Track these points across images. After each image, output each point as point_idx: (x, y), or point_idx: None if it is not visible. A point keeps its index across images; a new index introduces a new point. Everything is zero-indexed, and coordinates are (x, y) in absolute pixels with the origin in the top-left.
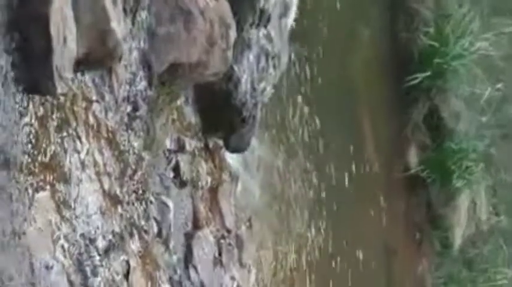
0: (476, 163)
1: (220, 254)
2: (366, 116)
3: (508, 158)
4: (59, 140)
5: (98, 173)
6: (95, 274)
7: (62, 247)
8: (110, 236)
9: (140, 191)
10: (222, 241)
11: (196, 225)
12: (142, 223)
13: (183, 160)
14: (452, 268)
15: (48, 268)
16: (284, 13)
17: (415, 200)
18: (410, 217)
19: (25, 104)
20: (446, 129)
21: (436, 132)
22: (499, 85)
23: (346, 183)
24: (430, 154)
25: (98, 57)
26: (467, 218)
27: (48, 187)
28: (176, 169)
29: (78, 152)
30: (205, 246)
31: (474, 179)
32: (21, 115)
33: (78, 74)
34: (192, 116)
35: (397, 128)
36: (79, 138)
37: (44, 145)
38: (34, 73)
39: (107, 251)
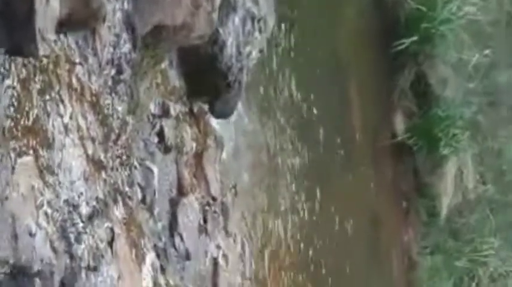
0: (463, 130)
1: (205, 221)
2: (352, 82)
3: (495, 126)
4: (42, 104)
5: (81, 138)
6: (78, 241)
7: (45, 213)
8: (94, 203)
9: (124, 157)
10: (207, 208)
11: (181, 191)
12: (127, 189)
13: (168, 125)
14: (438, 238)
15: (31, 234)
16: None
17: (401, 168)
18: (397, 185)
19: (7, 66)
20: (433, 96)
21: (423, 99)
22: (487, 51)
23: (332, 151)
24: (416, 121)
25: (81, 18)
26: (454, 187)
27: (31, 151)
28: (160, 134)
29: (61, 116)
30: (190, 213)
31: (461, 147)
32: (3, 77)
33: (61, 36)
34: (176, 80)
35: (383, 94)
36: (62, 101)
37: (26, 108)
38: (16, 35)
39: (90, 218)
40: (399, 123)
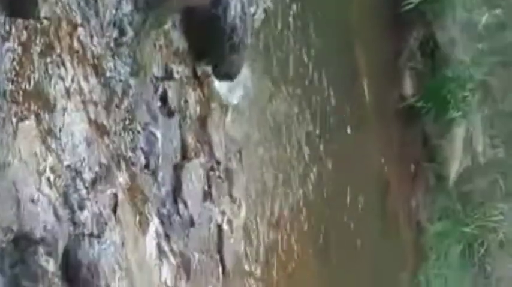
0: (472, 92)
1: (209, 187)
2: (359, 44)
3: (506, 87)
4: (43, 67)
5: (83, 102)
6: (81, 207)
7: (48, 179)
8: (97, 168)
9: (127, 121)
10: (211, 173)
11: (185, 156)
12: (130, 154)
13: (171, 88)
14: (447, 203)
15: (33, 201)
16: None
17: (410, 132)
18: (405, 149)
19: (7, 28)
20: (442, 57)
21: (431, 60)
22: (497, 11)
23: (340, 115)
24: (425, 83)
25: None
26: (463, 150)
27: (32, 116)
28: (164, 98)
29: (63, 79)
30: (194, 178)
31: (470, 109)
32: (4, 40)
33: None
34: (179, 42)
35: (392, 56)
36: (63, 64)
37: (27, 72)
38: None
39: (93, 184)
40: (407, 86)
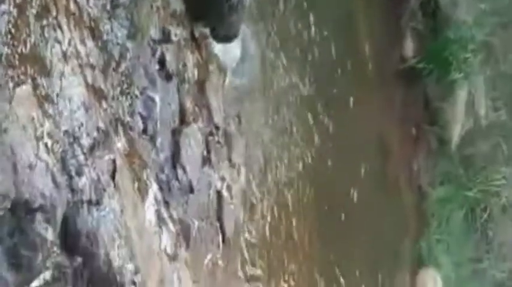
0: (474, 53)
1: (208, 152)
2: (360, 5)
3: (508, 48)
4: (39, 30)
5: (80, 66)
6: (79, 173)
7: (46, 145)
8: (95, 133)
9: (125, 85)
10: (210, 138)
11: (184, 121)
12: (128, 118)
13: (169, 51)
14: (449, 167)
15: (31, 167)
16: None
17: (411, 94)
18: (406, 112)
19: None
20: (444, 18)
21: (433, 21)
22: None
23: (340, 76)
24: (426, 44)
25: None
26: (465, 113)
27: (29, 80)
28: (162, 61)
29: (60, 43)
30: (193, 144)
31: (472, 71)
32: None
33: None
34: (177, 4)
35: (393, 17)
36: (60, 27)
37: (23, 35)
38: None
39: (91, 149)
40: (409, 47)
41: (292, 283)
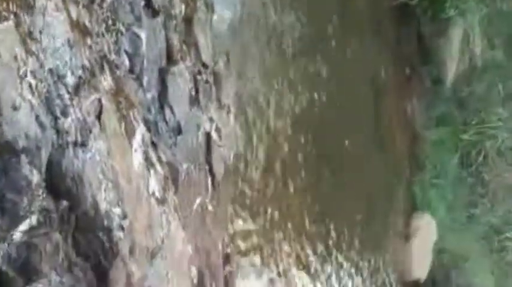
0: None
1: (197, 92)
2: None
3: None
4: None
5: (64, 1)
6: (65, 114)
7: (29, 84)
8: (80, 72)
9: (110, 21)
10: (198, 77)
11: (171, 59)
12: (113, 56)
13: None
14: (443, 108)
15: (15, 108)
16: None
17: (405, 32)
18: (400, 51)
19: None
20: None
21: None
22: None
23: (333, 16)
24: None
25: None
26: (460, 52)
27: (11, 16)
28: None
29: None
30: (180, 83)
31: (468, 8)
32: None
33: None
34: None
35: None
36: None
37: None
38: None
39: (76, 89)
40: None
41: (284, 230)
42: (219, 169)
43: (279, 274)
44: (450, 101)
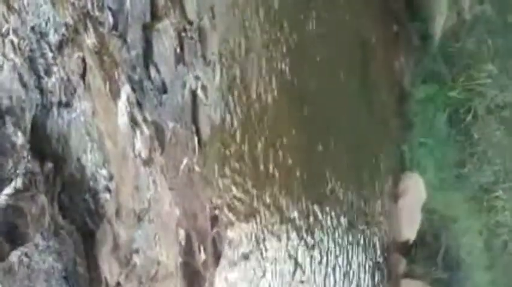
0: None
1: (182, 49)
2: None
3: None
4: None
5: None
6: (48, 73)
7: (12, 42)
8: (63, 29)
9: None
10: (183, 34)
11: (155, 16)
12: (97, 13)
13: None
14: (431, 65)
15: None
16: None
17: None
18: (387, 6)
19: None
20: None
21: None
22: None
23: None
24: None
25: None
26: (448, 7)
27: None
28: None
29: None
30: (165, 40)
31: None
32: None
33: None
34: None
35: None
36: None
37: None
38: None
39: (60, 47)
40: None
41: (271, 179)
42: (205, 129)
43: (266, 237)
44: (438, 58)
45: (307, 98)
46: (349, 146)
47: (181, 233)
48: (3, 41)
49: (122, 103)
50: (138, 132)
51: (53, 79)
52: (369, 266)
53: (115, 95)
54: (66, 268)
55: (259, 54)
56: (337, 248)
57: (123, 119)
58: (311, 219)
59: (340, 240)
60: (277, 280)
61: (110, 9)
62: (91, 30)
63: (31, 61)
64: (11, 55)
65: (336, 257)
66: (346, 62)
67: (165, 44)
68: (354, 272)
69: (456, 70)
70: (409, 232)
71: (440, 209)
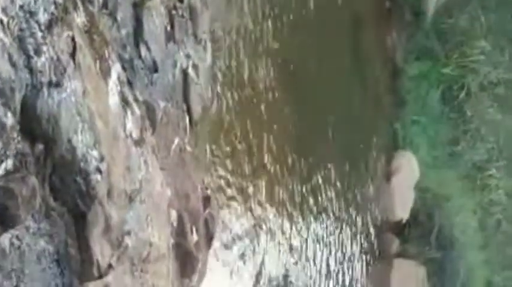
0: None
1: (172, 27)
2: None
3: None
4: None
5: None
6: (38, 53)
7: (1, 21)
8: (52, 8)
9: None
10: (173, 12)
11: None
12: None
13: None
14: (424, 41)
15: None
16: None
17: None
18: None
19: None
20: None
21: None
22: None
23: None
24: None
25: None
26: None
27: None
28: None
29: None
30: (155, 18)
31: None
32: None
33: None
34: None
35: None
36: None
37: None
38: None
39: (49, 27)
40: None
41: (263, 160)
42: (196, 108)
43: (259, 220)
44: (431, 34)
45: (299, 76)
46: (343, 124)
47: (173, 214)
48: None
49: (113, 82)
50: (129, 112)
51: (43, 59)
52: (362, 246)
53: (105, 74)
54: (58, 250)
55: (251, 33)
56: (330, 228)
57: (114, 99)
58: (303, 200)
59: (332, 220)
60: (270, 261)
61: None
62: (81, 8)
63: (20, 41)
64: (0, 35)
65: (329, 237)
66: (338, 38)
67: (155, 22)
68: (346, 253)
69: (449, 47)
70: (402, 211)
71: (433, 188)
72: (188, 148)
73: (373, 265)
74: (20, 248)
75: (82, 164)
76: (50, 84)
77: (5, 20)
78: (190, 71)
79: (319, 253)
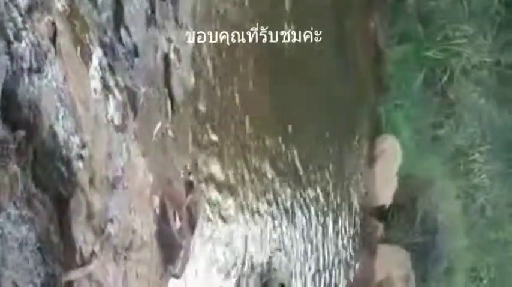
0: None
1: (153, 11)
2: None
3: None
4: None
5: None
6: (18, 38)
7: None
8: None
9: None
10: None
11: None
12: None
13: None
14: (407, 24)
15: None
16: None
17: None
18: None
19: None
20: None
21: None
22: None
23: None
24: None
25: None
26: None
27: None
28: None
29: None
30: (136, 2)
31: None
32: None
33: None
34: None
35: None
36: None
37: None
38: None
39: (29, 11)
40: None
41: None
42: (178, 92)
43: (244, 205)
44: (414, 17)
45: (282, 59)
46: (325, 108)
47: (156, 200)
48: None
49: (94, 68)
50: (110, 97)
51: (23, 44)
52: (346, 231)
53: (86, 59)
54: (40, 237)
55: (233, 16)
56: (314, 214)
57: (95, 84)
58: (288, 186)
59: (316, 206)
60: (253, 248)
61: None
62: None
63: (1, 27)
64: None
65: (313, 223)
66: (320, 22)
67: (136, 6)
68: (330, 239)
69: (432, 30)
70: (386, 197)
71: (416, 173)
72: (170, 133)
73: (357, 251)
74: (2, 236)
75: (64, 150)
76: (30, 70)
77: None
78: (172, 55)
79: (301, 240)
